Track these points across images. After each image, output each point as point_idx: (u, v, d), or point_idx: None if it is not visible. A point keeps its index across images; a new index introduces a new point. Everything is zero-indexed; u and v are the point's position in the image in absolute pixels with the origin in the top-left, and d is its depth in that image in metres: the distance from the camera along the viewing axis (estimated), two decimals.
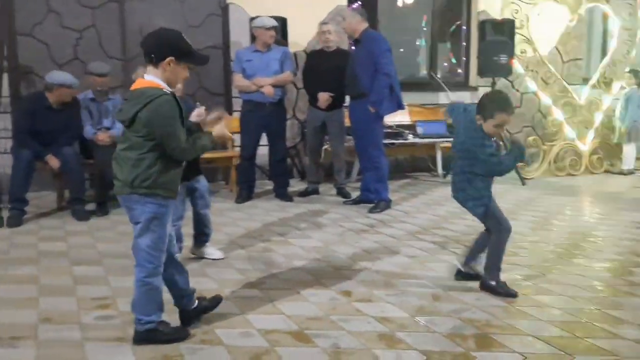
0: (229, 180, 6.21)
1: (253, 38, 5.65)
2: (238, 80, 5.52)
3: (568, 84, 7.48)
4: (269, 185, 5.93)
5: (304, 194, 5.83)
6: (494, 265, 3.16)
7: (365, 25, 5.17)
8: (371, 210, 5.14)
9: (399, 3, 7.89)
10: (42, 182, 5.57)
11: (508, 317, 2.87)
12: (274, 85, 5.38)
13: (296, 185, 6.18)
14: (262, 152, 5.87)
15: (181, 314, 2.74)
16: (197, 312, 2.77)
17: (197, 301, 2.78)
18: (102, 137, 5.10)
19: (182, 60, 2.47)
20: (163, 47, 2.44)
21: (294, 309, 2.95)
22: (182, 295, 2.72)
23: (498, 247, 3.17)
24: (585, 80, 7.74)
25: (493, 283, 3.14)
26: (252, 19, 5.79)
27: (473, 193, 3.18)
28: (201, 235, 3.79)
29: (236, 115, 6.24)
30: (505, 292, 3.11)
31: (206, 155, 5.93)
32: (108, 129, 5.23)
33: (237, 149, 6.06)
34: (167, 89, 2.44)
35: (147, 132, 2.40)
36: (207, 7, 6.46)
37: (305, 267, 3.63)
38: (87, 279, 3.40)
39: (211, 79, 6.53)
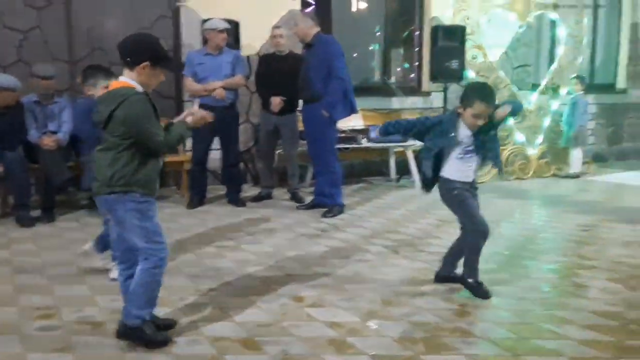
0: (181, 185, 6.09)
1: (205, 41, 5.57)
2: (189, 84, 5.43)
3: (518, 89, 7.67)
4: (222, 190, 5.84)
5: (257, 198, 5.77)
6: (472, 265, 3.17)
7: (317, 29, 5.16)
8: (325, 215, 5.13)
9: (353, 8, 7.95)
10: None
11: (457, 319, 2.90)
12: (226, 89, 5.31)
13: (249, 190, 6.12)
14: (215, 156, 5.80)
15: (121, 324, 2.61)
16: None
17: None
18: (47, 142, 4.92)
19: (158, 65, 2.51)
20: (140, 52, 2.49)
21: (244, 315, 2.90)
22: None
23: (472, 248, 3.17)
24: (534, 86, 7.96)
25: (471, 281, 3.16)
26: (203, 21, 5.71)
27: None
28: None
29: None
30: (482, 293, 3.14)
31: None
32: (54, 132, 5.05)
33: (189, 154, 5.95)
34: (140, 89, 2.49)
35: (123, 130, 2.44)
36: (157, 8, 6.33)
37: (256, 273, 3.58)
38: (30, 287, 3.27)
39: (163, 82, 6.39)
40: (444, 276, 3.37)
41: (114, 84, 2.56)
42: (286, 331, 2.73)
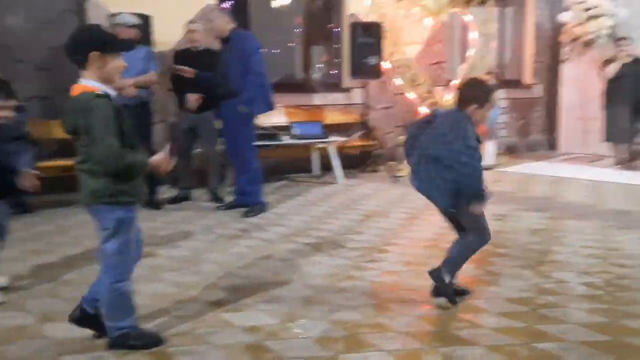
0: None
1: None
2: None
3: (433, 85, 7.87)
4: None
5: (174, 200, 5.57)
6: (459, 264, 3.04)
7: (232, 25, 5.05)
8: (246, 214, 5.02)
9: (273, 4, 7.87)
10: None
11: (377, 315, 2.89)
12: (137, 86, 5.08)
13: (167, 192, 5.90)
14: None
15: (81, 311, 2.58)
16: (90, 319, 2.60)
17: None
18: None
19: (107, 52, 2.34)
20: (82, 45, 2.35)
21: (156, 325, 2.76)
22: (95, 299, 2.59)
23: (470, 248, 3.04)
24: (449, 82, 8.20)
25: (447, 279, 2.98)
26: (112, 15, 5.43)
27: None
28: None
29: None
30: (450, 294, 2.98)
31: (63, 163, 5.53)
32: None
33: None
34: (102, 89, 2.35)
35: (90, 139, 2.32)
36: (61, 2, 5.96)
37: (171, 279, 3.43)
38: None
39: (68, 80, 6.00)
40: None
41: (74, 89, 2.38)
42: (202, 339, 2.62)
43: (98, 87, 2.35)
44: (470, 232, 3.01)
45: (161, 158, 2.51)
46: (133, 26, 5.12)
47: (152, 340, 2.56)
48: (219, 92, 5.19)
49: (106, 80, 2.38)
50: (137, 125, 5.21)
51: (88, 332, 2.63)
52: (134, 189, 2.45)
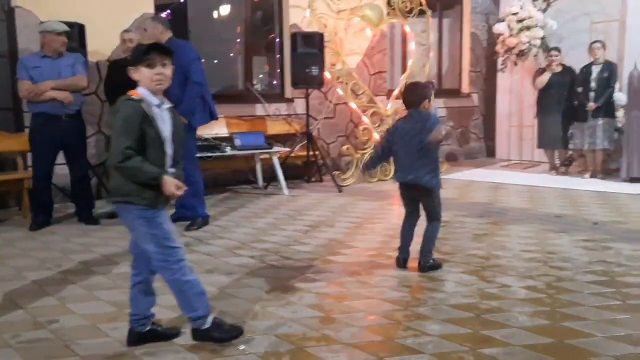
0: (22, 206, 5.47)
1: (42, 45, 5.07)
2: (26, 86, 4.85)
3: (375, 95, 7.95)
4: (72, 207, 5.34)
5: (112, 215, 5.34)
6: (431, 249, 3.75)
7: (169, 34, 4.89)
8: (187, 228, 4.87)
9: (213, 15, 7.76)
10: None
11: (323, 327, 2.84)
12: (69, 91, 4.87)
13: (105, 206, 5.66)
14: (65, 171, 5.27)
15: (129, 332, 2.64)
16: (146, 336, 2.64)
17: (149, 325, 2.68)
18: None
19: (139, 63, 2.48)
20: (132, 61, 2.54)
21: (90, 348, 2.60)
22: (141, 317, 2.65)
23: (436, 234, 3.79)
24: (390, 92, 8.32)
25: (431, 261, 3.73)
26: (41, 23, 5.19)
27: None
28: None
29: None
30: (438, 264, 3.76)
31: None
32: None
33: (30, 170, 5.39)
34: (144, 95, 2.45)
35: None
36: None
37: (108, 298, 3.26)
38: None
39: None
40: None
41: None
42: None
43: (141, 93, 2.46)
44: (432, 219, 3.79)
45: (173, 183, 2.45)
46: (62, 33, 4.90)
47: (233, 333, 2.65)
48: None
49: (149, 89, 2.47)
50: (70, 137, 5.11)
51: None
52: (144, 192, 2.44)
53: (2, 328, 2.81)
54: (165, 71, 2.49)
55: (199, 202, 5.00)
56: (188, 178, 4.90)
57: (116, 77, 5.35)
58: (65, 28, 4.96)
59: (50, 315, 2.98)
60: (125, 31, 5.45)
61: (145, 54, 2.47)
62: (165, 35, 4.87)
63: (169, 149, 2.51)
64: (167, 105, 2.56)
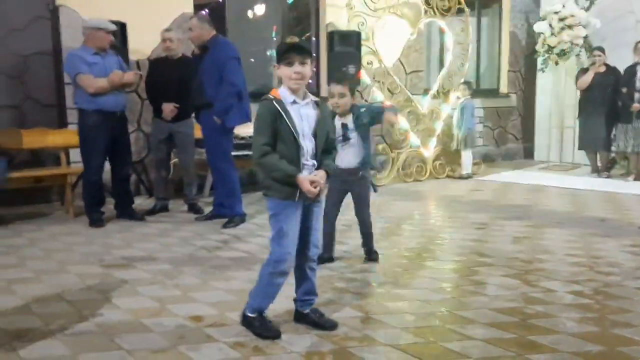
0: (64, 200, 5.59)
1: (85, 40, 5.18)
2: (92, 80, 4.81)
3: (411, 94, 7.88)
4: (110, 203, 5.43)
5: (151, 212, 5.42)
6: (371, 235, 3.95)
7: (213, 32, 4.93)
8: (225, 226, 4.90)
9: (249, 14, 7.79)
10: None
11: (365, 327, 2.81)
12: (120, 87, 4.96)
13: (144, 203, 5.75)
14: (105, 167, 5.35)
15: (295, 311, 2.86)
16: (308, 319, 2.81)
17: (310, 310, 2.82)
18: None
19: (280, 61, 2.57)
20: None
21: (135, 342, 2.63)
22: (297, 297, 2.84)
23: (369, 221, 3.96)
24: (426, 91, 8.22)
25: (374, 249, 3.96)
26: (90, 19, 5.29)
27: None
28: None
29: (74, 128, 5.68)
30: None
31: (35, 173, 5.36)
32: None
33: (74, 166, 5.51)
34: (280, 93, 2.57)
35: None
36: (32, 9, 5.80)
37: (150, 293, 3.30)
38: None
39: (40, 88, 5.88)
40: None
41: None
42: (184, 356, 2.50)
43: (279, 92, 2.58)
44: (364, 210, 3.89)
45: (308, 181, 2.58)
46: (111, 32, 5.00)
47: (270, 334, 2.68)
48: (195, 101, 5.06)
49: (289, 88, 2.57)
50: (121, 133, 5.17)
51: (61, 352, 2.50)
52: (281, 188, 2.59)
53: (49, 320, 2.87)
54: (303, 70, 2.55)
55: (235, 200, 5.02)
56: (224, 177, 5.00)
57: (156, 75, 5.44)
58: (115, 27, 5.05)
59: (94, 308, 3.03)
60: (166, 30, 5.51)
61: (284, 53, 2.55)
62: (209, 34, 4.91)
63: (305, 143, 2.60)
64: (307, 100, 2.62)
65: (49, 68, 5.89)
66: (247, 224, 5.06)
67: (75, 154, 5.67)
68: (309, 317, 2.81)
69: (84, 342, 2.63)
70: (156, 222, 5.15)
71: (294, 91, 2.59)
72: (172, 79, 5.23)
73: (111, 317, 2.92)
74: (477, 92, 8.53)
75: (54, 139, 5.59)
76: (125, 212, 5.24)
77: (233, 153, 5.30)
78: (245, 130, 6.19)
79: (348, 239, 4.51)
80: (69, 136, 5.56)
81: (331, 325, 2.78)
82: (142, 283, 3.47)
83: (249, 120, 5.09)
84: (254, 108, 5.28)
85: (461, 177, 7.81)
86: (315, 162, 2.66)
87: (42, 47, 5.85)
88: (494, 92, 9.67)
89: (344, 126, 3.62)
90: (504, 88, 9.77)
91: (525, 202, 6.11)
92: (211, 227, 4.91)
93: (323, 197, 2.79)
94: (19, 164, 5.51)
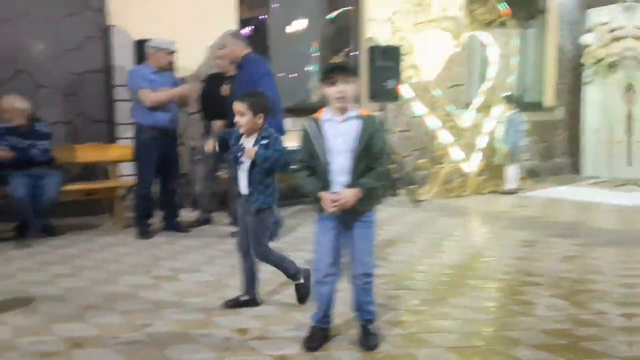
0: (114, 212, 5.77)
1: (140, 60, 5.36)
2: (150, 94, 5.02)
3: (453, 108, 7.82)
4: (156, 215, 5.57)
5: (195, 224, 5.54)
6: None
7: (247, 50, 5.02)
8: None
9: (290, 30, 7.91)
10: None
11: (407, 345, 2.80)
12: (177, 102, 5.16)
13: (187, 215, 5.88)
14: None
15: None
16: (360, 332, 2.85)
17: (362, 325, 2.84)
18: None
19: (324, 81, 2.64)
20: None
21: (183, 353, 2.69)
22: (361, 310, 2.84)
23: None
24: (468, 105, 8.15)
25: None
26: (138, 41, 5.50)
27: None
28: None
29: (123, 143, 5.88)
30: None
31: (87, 186, 5.55)
32: None
33: (123, 180, 5.68)
34: (323, 112, 2.68)
35: None
36: (85, 29, 6.04)
37: (196, 304, 3.37)
38: None
39: (91, 105, 6.10)
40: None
41: None
42: None
43: (323, 110, 2.68)
44: (253, 246, 3.30)
45: (328, 199, 2.64)
46: (172, 52, 5.20)
47: (309, 344, 2.75)
48: (230, 118, 5.15)
49: (332, 105, 2.64)
50: (170, 148, 5.32)
51: None
52: (315, 202, 2.69)
53: (102, 329, 2.97)
54: (346, 88, 2.60)
55: None
56: None
57: (209, 92, 5.58)
58: (175, 49, 5.23)
59: (144, 319, 3.12)
60: (219, 48, 5.64)
61: (328, 72, 2.64)
62: (243, 51, 4.99)
63: (337, 160, 2.63)
64: (346, 117, 2.64)
65: (100, 85, 6.11)
66: (289, 237, 5.11)
67: (124, 168, 5.87)
68: (360, 331, 2.83)
69: (136, 351, 2.71)
70: (200, 235, 5.25)
71: (337, 110, 2.64)
72: (223, 95, 5.35)
73: (160, 328, 3.00)
74: (521, 105, 8.39)
75: (104, 153, 5.80)
76: (171, 224, 5.37)
77: None
78: (285, 144, 6.26)
79: (389, 255, 4.50)
80: (118, 151, 5.77)
81: (368, 346, 2.75)
82: (188, 295, 3.55)
83: (283, 134, 5.15)
84: (291, 123, 5.40)
85: (505, 193, 7.68)
86: (350, 179, 2.64)
87: (94, 66, 6.08)
88: (538, 106, 9.50)
89: (241, 148, 3.21)
90: (549, 101, 9.58)
91: (574, 219, 5.96)
92: None
93: (365, 217, 2.74)
94: (72, 178, 5.73)
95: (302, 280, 3.39)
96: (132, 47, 5.75)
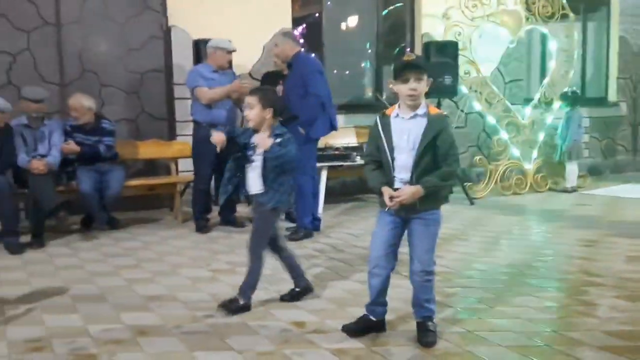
0: (173, 207, 5.97)
1: (198, 59, 5.53)
2: (206, 92, 5.18)
3: (511, 104, 7.66)
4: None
5: (251, 219, 5.65)
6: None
7: (297, 49, 5.07)
8: (290, 237, 4.90)
9: (344, 26, 7.94)
10: None
11: (466, 343, 2.79)
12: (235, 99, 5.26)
13: (242, 210, 6.00)
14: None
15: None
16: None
17: (419, 322, 2.85)
18: (37, 165, 4.80)
19: (396, 78, 2.65)
20: None
21: (243, 343, 2.78)
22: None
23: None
24: (527, 101, 7.96)
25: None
26: (196, 40, 5.66)
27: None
28: None
29: (182, 140, 6.07)
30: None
31: (149, 182, 5.77)
32: (43, 156, 4.94)
33: (182, 175, 5.87)
34: (394, 108, 2.72)
35: None
36: (148, 29, 6.28)
37: (254, 297, 3.45)
38: (19, 319, 3.12)
39: (153, 103, 6.33)
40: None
41: None
42: (289, 359, 2.61)
43: (395, 106, 2.72)
44: (251, 240, 3.31)
45: (388, 194, 2.67)
46: (231, 52, 5.34)
47: (349, 328, 2.88)
48: (283, 115, 5.22)
49: (403, 103, 2.66)
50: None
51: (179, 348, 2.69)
52: (378, 196, 2.76)
53: (166, 319, 3.10)
54: (418, 86, 2.61)
55: (305, 213, 5.03)
56: (298, 188, 5.07)
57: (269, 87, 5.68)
58: (234, 48, 5.37)
59: (205, 310, 3.23)
60: (276, 45, 5.75)
61: (401, 70, 2.63)
62: (293, 50, 5.04)
63: (400, 156, 2.66)
64: (414, 114, 2.65)
65: (161, 84, 6.34)
66: (343, 233, 5.15)
67: (183, 164, 6.06)
68: (418, 328, 2.83)
69: (198, 340, 2.82)
70: None
71: (408, 107, 2.66)
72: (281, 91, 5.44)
73: (220, 319, 3.10)
74: (581, 101, 8.12)
75: (165, 150, 6.01)
76: (228, 219, 5.51)
77: (328, 164, 5.42)
78: (339, 140, 6.32)
79: (444, 252, 4.47)
80: (179, 147, 5.97)
81: (426, 343, 2.74)
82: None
83: (335, 129, 5.19)
84: (345, 119, 5.43)
85: (565, 191, 7.46)
86: (411, 177, 2.65)
87: (156, 65, 6.31)
88: (601, 101, 9.16)
89: (251, 145, 3.18)
90: (612, 96, 9.23)
91: (638, 219, 5.73)
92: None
93: (426, 215, 2.74)
94: (135, 173, 5.97)
95: (241, 302, 3.19)
96: (190, 46, 5.93)
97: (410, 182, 2.66)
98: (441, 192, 2.73)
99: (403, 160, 2.66)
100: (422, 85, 2.61)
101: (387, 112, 2.73)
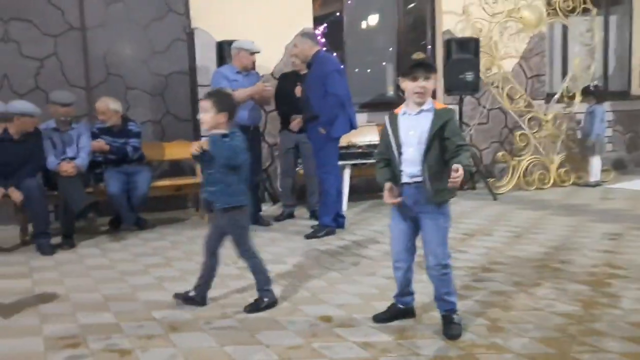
0: (199, 207, 6.08)
1: (221, 60, 5.61)
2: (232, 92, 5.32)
3: (532, 99, 7.62)
4: None
5: (279, 218, 5.74)
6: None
7: (316, 48, 5.10)
8: (308, 235, 4.97)
9: (365, 25, 7.98)
10: (3, 216, 5.37)
11: (492, 335, 2.82)
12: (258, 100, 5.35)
13: (268, 209, 6.10)
14: None
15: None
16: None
17: (443, 314, 2.90)
18: (66, 168, 4.94)
19: (405, 76, 2.72)
20: None
21: (272, 338, 2.85)
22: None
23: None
24: (549, 96, 7.90)
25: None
26: (219, 42, 5.75)
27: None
28: None
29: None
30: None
31: (175, 182, 5.87)
32: (72, 159, 5.07)
33: None
34: (399, 110, 2.81)
35: None
36: (172, 32, 6.40)
37: (281, 293, 3.53)
38: (54, 316, 3.24)
39: (178, 104, 6.45)
40: None
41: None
42: (318, 353, 2.67)
43: (402, 107, 2.79)
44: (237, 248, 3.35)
45: (388, 190, 2.81)
46: (255, 53, 5.41)
47: (377, 314, 3.03)
48: (303, 115, 5.28)
49: (410, 100, 2.74)
50: (253, 146, 5.57)
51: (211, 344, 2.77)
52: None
53: (196, 315, 3.18)
54: (426, 84, 2.69)
55: (326, 211, 5.06)
56: (321, 187, 5.13)
57: (285, 90, 5.76)
58: (258, 50, 5.44)
59: (234, 306, 3.31)
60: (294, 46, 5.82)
61: (410, 68, 2.70)
62: (312, 50, 5.08)
63: (407, 151, 2.73)
64: (420, 110, 2.71)
65: (185, 86, 6.45)
66: (368, 230, 5.19)
67: None
68: (442, 321, 2.89)
69: (228, 335, 2.90)
70: (282, 228, 5.44)
71: (415, 104, 2.73)
72: (298, 95, 5.50)
73: (249, 314, 3.18)
74: (604, 95, 8.03)
75: (189, 150, 6.09)
76: (253, 218, 5.58)
77: (351, 162, 5.45)
78: (362, 138, 6.37)
79: (468, 247, 4.50)
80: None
81: (451, 335, 2.78)
82: (274, 284, 3.70)
83: (355, 128, 5.21)
84: (366, 118, 5.43)
85: (588, 185, 7.40)
86: (419, 171, 2.71)
87: (180, 67, 6.43)
88: (624, 95, 9.05)
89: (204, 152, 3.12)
90: (636, 89, 9.11)
91: None
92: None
93: (434, 209, 2.77)
94: (161, 174, 6.09)
95: (265, 300, 3.25)
96: (214, 48, 6.02)
97: (422, 174, 2.71)
98: (447, 190, 2.71)
99: (410, 154, 2.73)
100: (430, 83, 2.70)
101: (396, 110, 2.81)
